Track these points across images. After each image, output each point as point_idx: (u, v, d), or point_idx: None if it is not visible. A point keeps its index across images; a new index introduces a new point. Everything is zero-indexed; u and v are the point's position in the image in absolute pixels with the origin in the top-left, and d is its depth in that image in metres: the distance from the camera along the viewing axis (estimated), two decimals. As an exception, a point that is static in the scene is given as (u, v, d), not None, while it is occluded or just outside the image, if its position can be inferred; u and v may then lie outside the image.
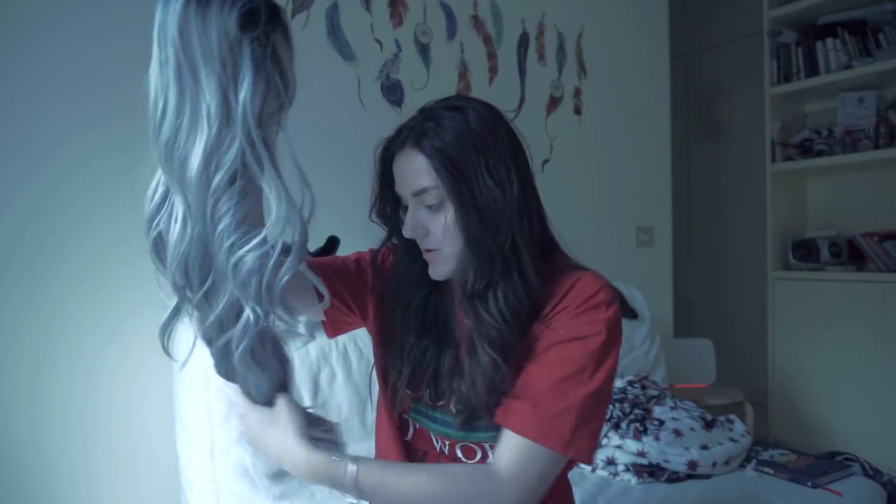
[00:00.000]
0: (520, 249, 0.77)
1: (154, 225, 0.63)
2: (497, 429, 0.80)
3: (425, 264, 0.85)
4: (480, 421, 0.80)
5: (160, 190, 0.62)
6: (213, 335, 0.65)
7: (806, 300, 2.82)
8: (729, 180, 3.58)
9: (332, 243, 1.65)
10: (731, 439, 1.66)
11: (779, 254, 2.95)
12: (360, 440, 1.48)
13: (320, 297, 0.73)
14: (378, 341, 0.93)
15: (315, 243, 1.64)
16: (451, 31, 2.18)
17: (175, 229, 0.60)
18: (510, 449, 0.75)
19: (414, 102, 1.98)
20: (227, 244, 0.60)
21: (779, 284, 2.92)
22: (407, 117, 0.82)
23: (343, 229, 1.65)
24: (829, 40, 2.75)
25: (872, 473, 1.63)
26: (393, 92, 2.04)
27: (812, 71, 2.81)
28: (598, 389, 0.75)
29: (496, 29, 2.30)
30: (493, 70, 2.30)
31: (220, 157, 0.58)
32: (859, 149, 2.69)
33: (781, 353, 2.92)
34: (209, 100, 0.57)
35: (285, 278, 0.62)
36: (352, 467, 0.70)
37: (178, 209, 0.60)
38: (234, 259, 0.60)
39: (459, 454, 0.85)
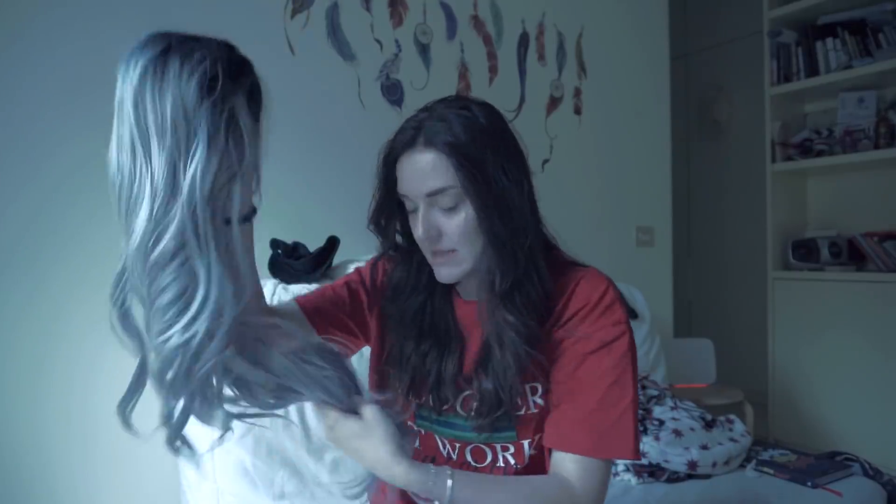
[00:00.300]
0: (533, 247, 0.79)
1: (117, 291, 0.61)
2: (513, 428, 0.81)
3: (422, 270, 0.85)
4: (500, 421, 0.81)
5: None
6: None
7: (806, 300, 2.82)
8: (729, 180, 3.57)
9: (333, 243, 1.65)
10: (731, 439, 1.66)
11: (779, 254, 2.95)
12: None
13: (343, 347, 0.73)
14: (378, 353, 0.92)
15: (315, 243, 1.64)
16: (451, 31, 2.18)
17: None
18: (576, 462, 0.77)
19: (414, 102, 1.98)
20: (161, 323, 0.57)
21: (779, 284, 2.92)
22: (406, 118, 0.80)
23: (343, 229, 1.65)
24: (829, 40, 2.75)
25: (872, 473, 1.62)
26: (393, 92, 2.04)
27: (812, 71, 2.81)
28: (637, 388, 0.79)
29: (496, 29, 2.30)
30: (493, 70, 2.30)
31: (161, 232, 0.55)
32: (859, 149, 2.68)
33: (781, 353, 2.92)
34: (157, 172, 0.55)
35: (206, 366, 0.58)
36: (449, 482, 0.72)
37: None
38: (159, 340, 0.56)
39: (469, 457, 0.85)
